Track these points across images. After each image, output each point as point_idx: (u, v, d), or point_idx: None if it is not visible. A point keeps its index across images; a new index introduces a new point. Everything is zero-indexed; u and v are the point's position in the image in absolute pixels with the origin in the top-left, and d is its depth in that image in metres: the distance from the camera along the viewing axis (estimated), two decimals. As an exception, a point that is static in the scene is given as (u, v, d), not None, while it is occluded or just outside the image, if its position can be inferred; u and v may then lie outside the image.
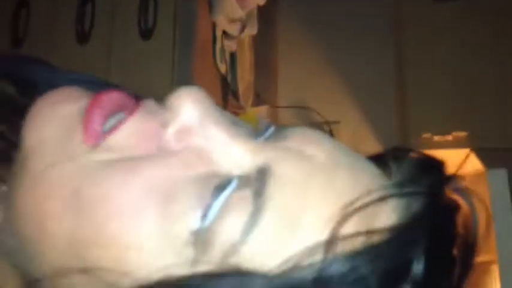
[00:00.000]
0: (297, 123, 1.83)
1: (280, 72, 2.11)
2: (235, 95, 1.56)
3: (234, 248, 0.29)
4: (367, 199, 0.31)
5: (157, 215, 0.30)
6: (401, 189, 0.32)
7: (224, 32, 1.46)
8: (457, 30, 1.73)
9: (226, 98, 1.51)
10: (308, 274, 0.28)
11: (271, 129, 0.35)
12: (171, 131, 0.32)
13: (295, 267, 0.28)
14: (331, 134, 1.67)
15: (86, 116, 0.32)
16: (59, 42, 1.35)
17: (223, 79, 1.48)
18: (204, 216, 0.30)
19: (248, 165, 0.32)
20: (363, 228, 0.30)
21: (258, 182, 0.30)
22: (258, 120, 1.52)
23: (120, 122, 0.33)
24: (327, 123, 1.74)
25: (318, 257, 0.29)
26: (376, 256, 0.29)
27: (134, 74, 1.26)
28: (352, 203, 0.30)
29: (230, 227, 0.29)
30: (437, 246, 0.30)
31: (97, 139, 0.32)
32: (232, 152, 0.32)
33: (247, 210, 0.29)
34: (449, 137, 1.54)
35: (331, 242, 0.29)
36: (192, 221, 0.30)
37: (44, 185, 0.32)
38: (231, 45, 1.53)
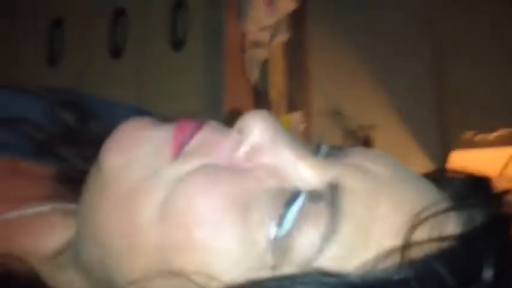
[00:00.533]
0: (331, 129, 1.81)
1: (313, 78, 2.09)
2: (268, 102, 1.55)
3: (312, 256, 0.32)
4: (434, 209, 0.33)
5: (237, 223, 0.33)
6: (464, 202, 0.35)
7: (254, 40, 1.46)
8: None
9: (258, 106, 1.50)
10: (386, 275, 0.31)
11: (324, 147, 0.38)
12: (243, 150, 0.35)
13: (372, 270, 0.31)
14: (367, 138, 1.64)
15: (175, 133, 0.35)
16: (93, 58, 1.37)
17: (255, 87, 1.47)
18: (280, 225, 0.32)
19: (316, 181, 0.34)
20: (433, 235, 0.32)
21: (330, 195, 0.33)
22: (292, 127, 1.51)
23: (195, 131, 0.36)
24: (363, 127, 1.71)
25: (392, 260, 0.31)
26: (452, 260, 0.31)
27: (166, 84, 1.26)
28: (420, 212, 0.33)
29: (308, 237, 0.32)
30: (505, 253, 0.32)
31: (180, 149, 0.35)
32: (302, 170, 0.35)
33: (323, 221, 0.32)
34: (492, 136, 1.49)
35: (405, 246, 0.31)
36: (269, 229, 0.32)
37: (132, 200, 0.34)
38: (262, 53, 1.52)
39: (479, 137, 1.51)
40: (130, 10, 1.34)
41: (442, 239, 0.32)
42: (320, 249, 0.32)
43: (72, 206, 0.40)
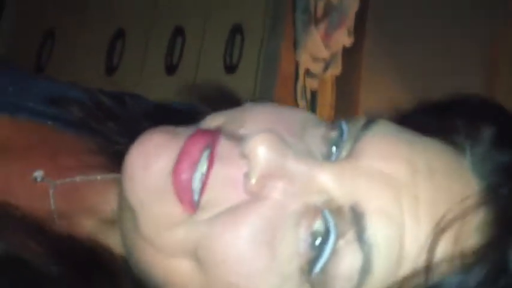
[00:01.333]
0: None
1: (360, 112, 2.10)
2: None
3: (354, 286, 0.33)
4: (457, 212, 0.33)
5: (268, 258, 0.33)
6: (491, 194, 0.34)
7: (307, 70, 1.48)
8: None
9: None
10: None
11: (345, 133, 0.36)
12: (253, 181, 0.34)
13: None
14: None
15: (175, 186, 0.35)
16: (149, 72, 1.42)
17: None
18: (311, 258, 0.33)
19: (335, 191, 0.34)
20: (461, 236, 0.32)
21: (356, 225, 0.33)
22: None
23: (204, 180, 0.35)
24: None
25: (428, 275, 0.32)
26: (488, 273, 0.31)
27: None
28: (442, 219, 0.32)
29: (346, 273, 0.33)
30: None
31: (193, 207, 0.35)
32: (317, 181, 0.34)
33: (358, 256, 0.32)
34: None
35: (427, 266, 0.32)
36: (300, 261, 0.33)
37: (163, 248, 0.35)
38: (312, 83, 1.54)
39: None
40: (190, 31, 1.39)
41: (463, 254, 0.32)
42: (359, 283, 0.33)
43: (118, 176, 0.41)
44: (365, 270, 0.32)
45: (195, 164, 0.35)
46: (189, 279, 0.35)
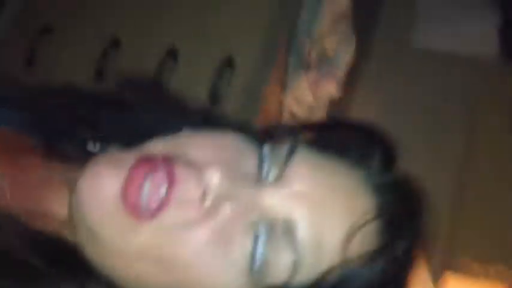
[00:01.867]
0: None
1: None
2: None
3: (283, 279, 0.43)
4: (361, 223, 0.45)
5: (220, 260, 0.43)
6: (384, 211, 0.47)
7: (291, 112, 1.50)
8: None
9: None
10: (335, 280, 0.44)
11: (273, 160, 0.46)
12: (208, 203, 0.44)
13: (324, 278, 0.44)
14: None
15: (125, 203, 0.42)
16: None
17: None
18: (255, 258, 0.43)
19: (271, 209, 0.44)
20: (364, 244, 0.45)
21: (288, 233, 0.44)
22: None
23: (163, 201, 0.43)
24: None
25: (340, 269, 0.44)
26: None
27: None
28: (350, 228, 0.45)
29: (279, 269, 0.43)
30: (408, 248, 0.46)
31: (141, 217, 0.42)
32: (257, 202, 0.44)
33: (290, 256, 0.43)
34: (490, 268, 1.47)
35: (343, 260, 0.44)
36: (246, 257, 0.43)
37: (127, 256, 0.43)
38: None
39: (477, 265, 1.50)
40: (183, 54, 1.40)
41: (364, 255, 0.45)
42: (289, 276, 0.43)
43: (69, 177, 0.48)
44: (295, 265, 0.43)
45: (141, 187, 0.42)
46: (151, 279, 0.44)
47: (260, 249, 0.43)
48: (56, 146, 0.54)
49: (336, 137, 0.52)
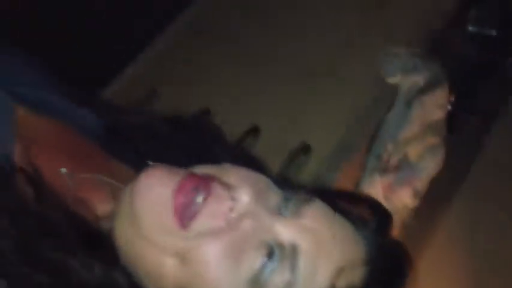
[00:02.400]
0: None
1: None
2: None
3: None
4: (351, 262, 0.54)
5: (233, 268, 0.50)
6: (371, 259, 0.57)
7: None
8: None
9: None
10: None
11: (293, 200, 0.54)
12: (234, 216, 0.51)
13: None
14: None
15: (174, 206, 0.50)
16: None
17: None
18: (261, 271, 0.50)
19: (283, 235, 0.52)
20: (348, 280, 0.54)
21: (292, 257, 0.51)
22: None
23: (197, 210, 0.50)
24: None
25: None
26: None
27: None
28: (342, 266, 0.53)
29: (275, 285, 0.50)
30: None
31: (184, 225, 0.50)
32: (274, 227, 0.52)
33: (288, 277, 0.51)
34: None
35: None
36: (253, 269, 0.50)
37: (155, 248, 0.51)
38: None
39: None
40: (263, 133, 1.44)
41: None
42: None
43: (118, 185, 0.58)
44: (289, 286, 0.51)
45: (189, 194, 0.51)
46: (171, 272, 0.51)
47: (267, 265, 0.50)
48: (118, 155, 0.65)
49: (346, 202, 0.61)
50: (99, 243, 0.54)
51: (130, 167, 0.64)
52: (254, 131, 1.43)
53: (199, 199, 0.51)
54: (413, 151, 1.43)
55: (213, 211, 0.51)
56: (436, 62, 1.51)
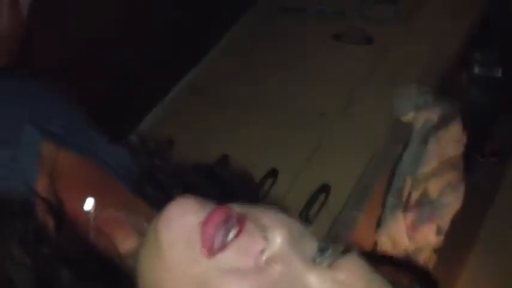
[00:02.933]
0: None
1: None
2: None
3: None
4: None
5: None
6: None
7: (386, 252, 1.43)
8: None
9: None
10: None
11: (329, 251, 0.49)
12: (264, 258, 0.47)
13: None
14: None
15: (202, 234, 0.47)
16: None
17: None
18: None
19: (313, 285, 0.46)
20: None
21: None
22: None
23: (228, 243, 0.47)
24: None
25: None
26: None
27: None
28: None
29: None
30: None
31: (211, 253, 0.47)
32: (304, 276, 0.47)
33: None
34: None
35: None
36: None
37: (177, 274, 0.47)
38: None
39: None
40: (282, 175, 1.44)
41: None
42: None
43: (143, 224, 0.56)
44: None
45: (221, 225, 0.47)
46: None
47: None
48: (147, 198, 0.64)
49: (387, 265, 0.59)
50: (119, 279, 0.52)
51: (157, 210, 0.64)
52: (273, 174, 1.43)
53: (231, 234, 0.48)
54: (433, 187, 1.42)
55: (244, 248, 0.47)
56: (446, 98, 1.52)
